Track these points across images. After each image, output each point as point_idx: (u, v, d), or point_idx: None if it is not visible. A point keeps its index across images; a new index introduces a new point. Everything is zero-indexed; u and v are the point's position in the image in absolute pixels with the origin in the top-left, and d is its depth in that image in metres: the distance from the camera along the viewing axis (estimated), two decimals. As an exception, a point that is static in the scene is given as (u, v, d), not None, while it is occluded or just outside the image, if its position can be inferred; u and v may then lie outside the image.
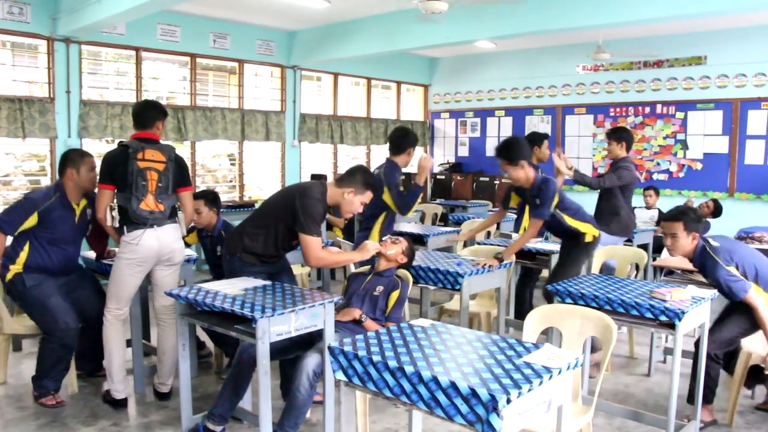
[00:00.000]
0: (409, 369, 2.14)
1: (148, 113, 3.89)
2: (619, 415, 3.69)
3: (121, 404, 3.89)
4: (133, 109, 4.05)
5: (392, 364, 2.19)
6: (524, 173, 4.35)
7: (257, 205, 8.53)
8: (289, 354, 3.50)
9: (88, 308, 4.12)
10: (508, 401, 1.90)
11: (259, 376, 2.95)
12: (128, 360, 4.39)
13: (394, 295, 3.67)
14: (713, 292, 3.49)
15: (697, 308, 3.24)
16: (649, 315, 3.18)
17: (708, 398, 3.62)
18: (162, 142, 3.92)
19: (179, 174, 3.86)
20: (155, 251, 3.80)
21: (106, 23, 6.56)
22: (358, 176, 3.75)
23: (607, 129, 6.31)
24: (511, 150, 4.35)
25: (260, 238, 3.64)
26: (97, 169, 3.89)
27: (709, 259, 3.54)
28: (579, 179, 5.27)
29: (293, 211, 3.51)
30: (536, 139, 5.82)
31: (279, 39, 9.01)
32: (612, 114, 9.41)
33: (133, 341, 4.17)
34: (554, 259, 4.77)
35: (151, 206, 3.72)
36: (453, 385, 2.01)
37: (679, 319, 3.07)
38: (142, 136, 3.81)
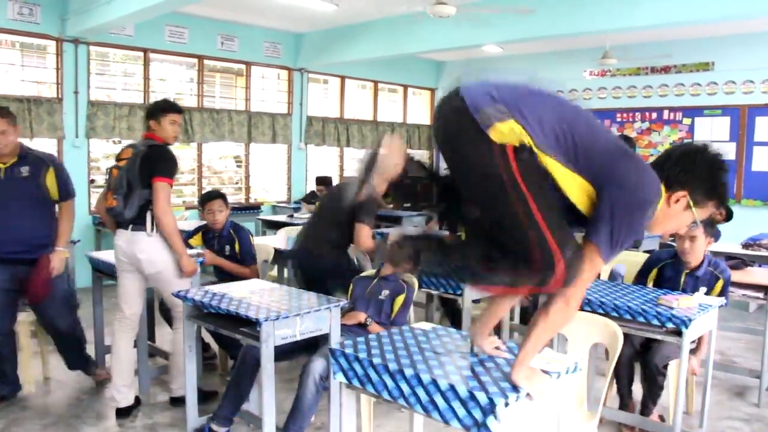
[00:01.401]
0: (408, 372, 2.14)
1: (147, 115, 3.80)
2: (626, 422, 3.68)
3: (120, 413, 3.76)
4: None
5: (392, 366, 2.19)
6: None
7: (264, 208, 8.59)
8: (295, 357, 3.50)
9: (42, 310, 3.95)
10: (506, 405, 1.90)
11: (262, 379, 2.95)
12: (133, 360, 4.41)
13: (400, 299, 3.67)
14: (721, 300, 3.49)
15: (704, 315, 3.23)
16: (655, 322, 3.16)
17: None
18: (150, 138, 3.72)
19: (146, 165, 3.56)
20: (123, 253, 3.70)
21: (114, 24, 6.60)
22: None
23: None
24: None
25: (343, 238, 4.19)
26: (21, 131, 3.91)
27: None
28: None
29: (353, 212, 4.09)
30: None
31: (286, 41, 9.03)
32: (619, 119, 9.39)
33: (138, 342, 4.16)
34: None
35: (109, 202, 3.65)
36: (452, 388, 2.00)
37: (686, 327, 3.06)
38: (146, 136, 3.77)
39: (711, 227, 3.68)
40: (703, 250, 3.66)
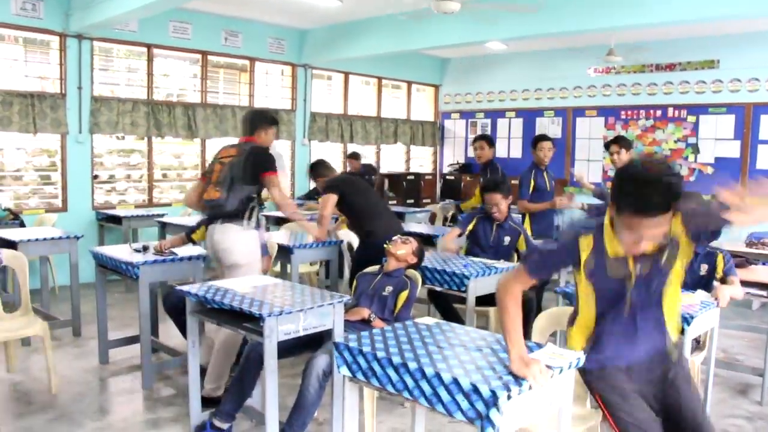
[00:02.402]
0: (412, 365, 2.15)
1: (249, 121, 4.23)
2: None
3: (208, 403, 3.61)
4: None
5: (396, 360, 2.20)
6: (506, 206, 4.81)
7: (267, 204, 8.58)
8: (298, 353, 3.51)
9: None
10: (509, 398, 1.92)
11: (265, 374, 2.96)
12: (136, 356, 4.42)
13: (403, 295, 3.68)
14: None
15: (706, 313, 3.23)
16: (658, 319, 3.16)
17: None
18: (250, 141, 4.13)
19: (252, 164, 3.93)
20: (210, 245, 4.03)
21: (118, 20, 6.59)
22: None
23: (609, 139, 6.21)
24: (506, 185, 4.85)
25: None
26: None
27: None
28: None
29: None
30: (533, 141, 6.01)
31: (290, 37, 9.02)
32: (623, 117, 9.37)
33: (141, 337, 4.17)
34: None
35: (209, 195, 4.01)
36: (455, 381, 2.03)
37: (688, 324, 3.06)
38: (242, 140, 4.21)
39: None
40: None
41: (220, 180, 3.93)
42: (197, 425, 3.44)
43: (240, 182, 3.90)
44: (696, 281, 3.73)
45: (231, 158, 3.97)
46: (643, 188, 2.01)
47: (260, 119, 4.22)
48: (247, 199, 3.96)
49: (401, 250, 3.82)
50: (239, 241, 3.94)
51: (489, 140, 6.42)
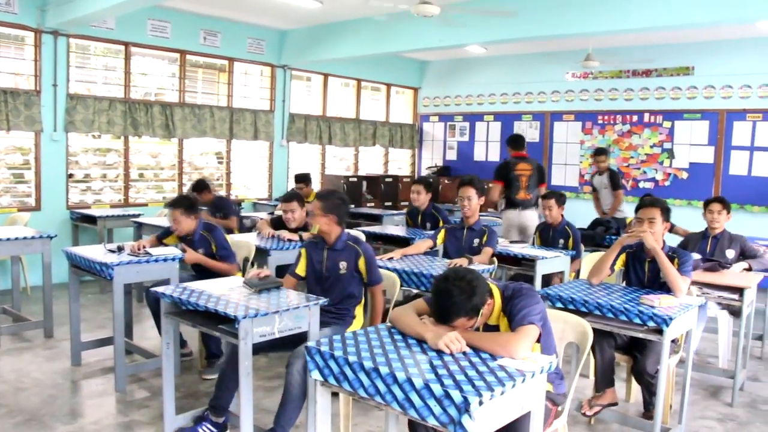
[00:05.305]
0: (384, 370, 2.14)
1: (516, 141, 6.72)
2: (611, 420, 3.74)
3: None
4: (510, 138, 6.86)
5: (368, 364, 2.19)
6: (477, 204, 4.87)
7: (245, 205, 8.53)
8: (277, 350, 3.49)
9: None
10: (481, 403, 1.92)
11: (240, 377, 2.93)
12: (109, 358, 4.36)
13: (362, 262, 3.62)
14: (701, 300, 3.54)
15: (685, 315, 3.27)
16: (637, 320, 3.20)
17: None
18: (528, 156, 6.74)
19: (539, 176, 6.56)
20: (516, 223, 6.38)
21: (95, 17, 6.51)
22: None
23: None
24: (481, 184, 4.95)
25: None
26: None
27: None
28: None
29: None
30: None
31: (270, 38, 8.98)
32: (600, 122, 9.46)
33: (115, 339, 4.11)
34: (540, 265, 4.78)
35: (522, 196, 6.41)
36: (427, 386, 2.02)
37: (667, 325, 3.10)
38: (517, 155, 6.59)
39: (667, 213, 3.74)
40: (661, 233, 3.70)
41: (530, 186, 6.43)
42: (195, 416, 3.45)
43: (535, 186, 6.44)
44: (654, 279, 3.72)
45: (528, 171, 6.44)
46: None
47: (523, 139, 6.79)
48: (536, 196, 6.36)
49: (315, 227, 3.59)
50: (535, 220, 6.29)
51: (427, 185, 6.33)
